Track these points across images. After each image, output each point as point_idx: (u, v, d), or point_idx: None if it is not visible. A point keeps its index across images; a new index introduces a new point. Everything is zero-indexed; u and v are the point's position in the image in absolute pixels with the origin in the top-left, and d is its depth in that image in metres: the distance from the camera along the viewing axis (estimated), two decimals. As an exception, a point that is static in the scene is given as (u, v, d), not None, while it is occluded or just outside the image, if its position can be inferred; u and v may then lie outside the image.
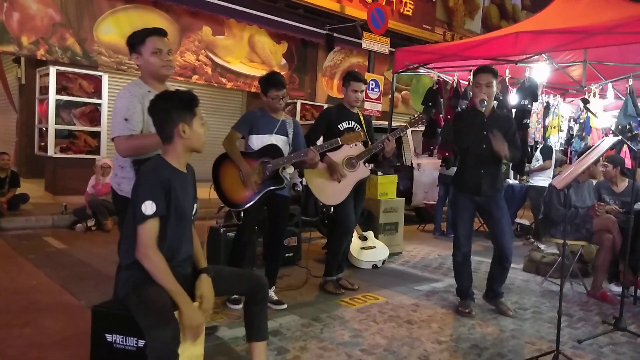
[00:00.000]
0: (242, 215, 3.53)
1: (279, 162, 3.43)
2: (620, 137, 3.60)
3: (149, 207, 1.97)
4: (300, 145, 3.65)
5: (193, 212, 2.28)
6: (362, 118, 4.17)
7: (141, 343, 1.94)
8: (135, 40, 2.54)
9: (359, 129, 4.08)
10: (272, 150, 3.46)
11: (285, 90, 3.54)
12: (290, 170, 3.61)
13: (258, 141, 3.51)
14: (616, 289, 4.34)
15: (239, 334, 2.99)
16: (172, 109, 2.09)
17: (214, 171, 3.49)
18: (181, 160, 2.16)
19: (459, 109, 6.09)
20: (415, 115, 4.05)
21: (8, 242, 5.61)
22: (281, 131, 3.56)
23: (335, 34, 10.95)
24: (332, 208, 4.21)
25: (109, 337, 1.99)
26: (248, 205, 3.40)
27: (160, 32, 2.56)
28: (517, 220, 7.41)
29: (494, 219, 3.72)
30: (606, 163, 4.60)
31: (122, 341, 1.98)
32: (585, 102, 3.35)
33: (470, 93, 6.30)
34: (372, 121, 8.29)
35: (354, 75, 4.12)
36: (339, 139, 3.59)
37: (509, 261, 3.71)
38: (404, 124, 4.06)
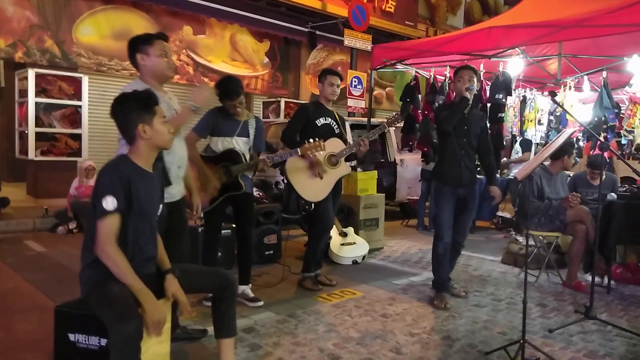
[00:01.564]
0: (203, 216, 3.55)
1: (238, 169, 3.47)
2: (572, 130, 3.66)
3: (109, 203, 1.98)
4: (260, 145, 3.70)
5: (158, 213, 2.29)
6: (336, 115, 4.21)
7: (103, 342, 1.95)
8: (143, 42, 2.63)
9: (335, 125, 4.13)
10: (232, 156, 3.48)
11: (241, 97, 3.49)
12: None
13: (220, 143, 3.51)
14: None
15: (210, 332, 2.99)
16: (130, 110, 2.11)
17: None
18: (146, 159, 2.18)
19: (437, 104, 6.14)
20: (392, 116, 4.14)
21: (-13, 246, 5.58)
22: (243, 133, 3.56)
23: (317, 32, 10.96)
24: (312, 205, 4.23)
25: (71, 336, 2.01)
26: (206, 210, 3.43)
27: (165, 38, 2.71)
28: (499, 213, 7.47)
29: (468, 209, 3.89)
30: (599, 171, 4.55)
31: (85, 340, 1.99)
32: (553, 95, 3.38)
33: (447, 88, 6.37)
34: (356, 118, 8.40)
35: (330, 69, 4.22)
36: (298, 149, 3.64)
37: (463, 247, 4.03)
38: (382, 123, 4.13)
